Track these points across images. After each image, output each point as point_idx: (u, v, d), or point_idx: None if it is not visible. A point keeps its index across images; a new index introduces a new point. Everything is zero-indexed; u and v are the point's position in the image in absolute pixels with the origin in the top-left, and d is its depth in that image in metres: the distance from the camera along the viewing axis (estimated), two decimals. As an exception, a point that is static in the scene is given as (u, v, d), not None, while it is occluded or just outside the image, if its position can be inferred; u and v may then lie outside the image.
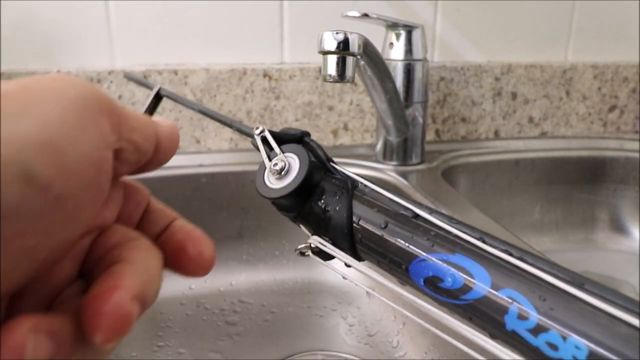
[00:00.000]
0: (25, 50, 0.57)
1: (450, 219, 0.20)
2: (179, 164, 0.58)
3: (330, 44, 0.41)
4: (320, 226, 0.23)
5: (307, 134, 0.26)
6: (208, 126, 0.61)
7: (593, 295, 0.15)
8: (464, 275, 0.18)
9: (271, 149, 0.25)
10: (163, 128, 0.19)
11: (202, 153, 0.61)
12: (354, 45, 0.41)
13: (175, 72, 0.59)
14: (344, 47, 0.41)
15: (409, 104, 0.56)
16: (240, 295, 0.53)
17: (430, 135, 0.68)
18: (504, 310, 0.16)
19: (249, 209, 0.57)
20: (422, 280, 0.19)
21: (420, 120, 0.57)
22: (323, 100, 0.63)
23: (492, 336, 0.17)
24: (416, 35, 0.54)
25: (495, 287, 0.17)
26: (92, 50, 0.58)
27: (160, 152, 0.19)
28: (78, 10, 0.57)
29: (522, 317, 0.16)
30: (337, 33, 0.41)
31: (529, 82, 0.69)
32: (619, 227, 0.67)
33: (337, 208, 0.23)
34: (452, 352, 0.41)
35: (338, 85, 0.63)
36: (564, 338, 0.15)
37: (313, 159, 0.24)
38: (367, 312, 0.51)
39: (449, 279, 0.18)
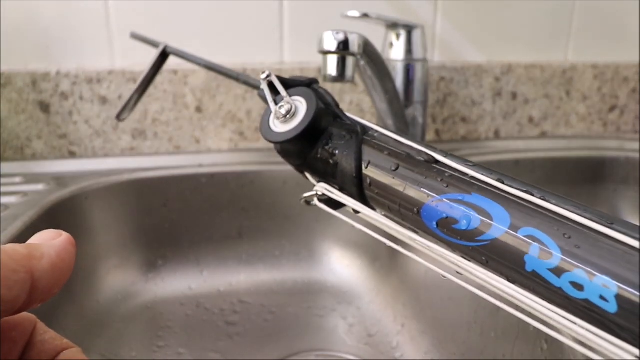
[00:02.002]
0: (25, 50, 0.57)
1: (466, 162, 0.19)
2: (179, 164, 0.58)
3: (330, 44, 0.41)
4: (328, 172, 0.22)
5: (316, 81, 0.25)
6: (208, 126, 0.61)
7: (623, 233, 0.14)
8: (481, 216, 0.17)
9: (277, 94, 0.23)
10: (44, 261, 0.16)
11: (202, 153, 0.61)
12: (354, 45, 0.41)
13: (175, 72, 0.59)
14: (344, 47, 0.41)
15: (409, 104, 0.56)
16: (240, 296, 0.53)
17: (430, 135, 0.68)
18: (523, 250, 0.15)
19: (249, 209, 0.57)
20: (434, 223, 0.18)
21: (420, 120, 0.57)
22: (323, 100, 0.63)
23: (511, 280, 0.16)
24: (416, 35, 0.54)
25: (514, 226, 0.16)
26: (92, 50, 0.58)
27: (38, 292, 0.15)
28: (78, 10, 0.57)
29: (544, 256, 0.15)
30: (337, 33, 0.41)
31: (529, 82, 0.69)
32: (619, 227, 0.67)
33: (346, 152, 0.22)
34: (453, 352, 0.41)
35: (338, 85, 0.62)
36: (591, 277, 0.14)
37: (321, 104, 0.23)
38: (367, 313, 0.51)
39: (464, 220, 0.17)
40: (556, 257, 0.15)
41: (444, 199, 0.18)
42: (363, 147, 0.22)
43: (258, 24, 0.61)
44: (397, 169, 0.20)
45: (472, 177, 0.18)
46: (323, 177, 0.23)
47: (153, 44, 0.33)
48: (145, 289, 0.53)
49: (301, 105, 0.22)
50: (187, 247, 0.56)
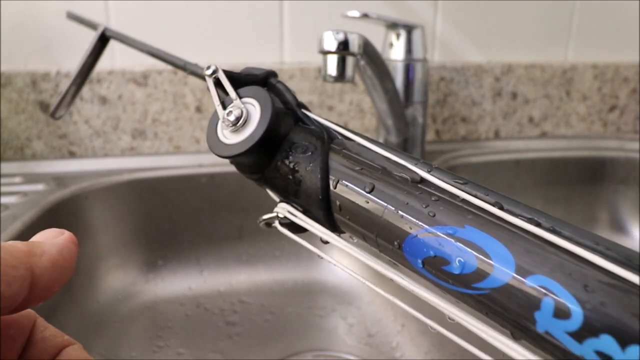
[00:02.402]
0: (25, 50, 0.57)
1: (455, 179, 0.16)
2: (179, 164, 0.58)
3: (330, 44, 0.41)
4: (289, 191, 0.19)
5: (273, 74, 0.20)
6: (208, 126, 0.61)
7: None
8: (478, 255, 0.13)
9: (227, 93, 0.20)
10: (45, 258, 0.15)
11: (202, 153, 0.61)
12: (354, 45, 0.41)
13: (175, 72, 0.59)
14: (344, 47, 0.41)
15: (409, 104, 0.56)
16: (240, 296, 0.53)
17: (430, 135, 0.68)
18: (533, 304, 0.12)
19: (248, 209, 0.57)
20: (419, 261, 0.15)
21: (420, 120, 0.57)
22: (323, 100, 0.63)
23: (516, 337, 0.13)
24: (416, 35, 0.54)
25: (520, 272, 0.12)
26: (92, 50, 0.58)
27: (39, 289, 0.15)
28: (78, 10, 0.57)
29: (560, 314, 0.12)
30: (337, 33, 0.41)
31: (529, 82, 0.69)
32: (619, 227, 0.67)
33: (309, 167, 0.18)
34: (453, 352, 0.40)
35: (338, 85, 0.62)
36: (623, 346, 0.10)
37: (279, 104, 0.19)
38: (367, 313, 0.51)
39: (457, 261, 0.14)
40: (576, 317, 0.11)
41: (431, 232, 0.14)
42: (330, 159, 0.18)
43: (258, 24, 0.61)
44: (372, 189, 0.16)
45: (465, 202, 0.15)
46: (284, 194, 0.19)
47: (90, 25, 0.28)
48: (145, 289, 0.53)
49: (254, 110, 0.19)
50: (187, 247, 0.56)
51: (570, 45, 0.71)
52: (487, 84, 0.68)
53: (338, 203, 0.17)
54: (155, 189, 0.55)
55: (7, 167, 0.57)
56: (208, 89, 0.20)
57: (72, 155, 0.59)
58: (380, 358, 0.45)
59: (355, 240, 0.18)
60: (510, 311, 0.13)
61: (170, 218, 0.55)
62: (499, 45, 0.68)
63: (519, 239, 0.13)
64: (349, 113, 0.64)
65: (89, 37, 0.61)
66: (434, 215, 0.15)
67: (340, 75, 0.42)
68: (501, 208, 0.14)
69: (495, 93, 0.68)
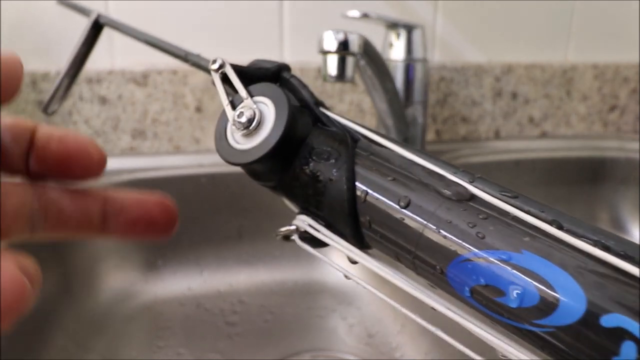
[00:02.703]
0: (25, 50, 0.57)
1: (502, 191, 0.14)
2: (179, 164, 0.58)
3: (331, 44, 0.41)
4: (310, 201, 0.16)
5: (286, 67, 0.18)
6: (208, 126, 0.61)
7: None
8: (540, 287, 0.11)
9: (235, 91, 0.18)
10: None
11: (202, 153, 0.61)
12: (354, 45, 0.41)
13: (175, 72, 0.59)
14: (344, 47, 0.41)
15: (409, 104, 0.56)
16: (240, 296, 0.53)
17: (430, 135, 0.68)
18: (611, 348, 0.10)
19: (248, 210, 0.57)
20: (467, 289, 0.13)
21: (420, 120, 0.57)
22: (323, 100, 0.63)
23: None
24: (416, 35, 0.54)
25: (593, 308, 0.10)
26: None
27: None
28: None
29: None
30: (337, 33, 0.41)
31: (529, 82, 0.69)
32: (619, 227, 0.67)
33: (333, 176, 0.16)
34: (453, 352, 0.40)
35: (338, 85, 0.62)
36: None
37: (295, 102, 0.17)
38: (367, 313, 0.51)
39: (515, 293, 0.12)
40: None
41: (482, 257, 0.12)
42: (357, 166, 0.16)
43: (258, 23, 0.61)
44: (408, 204, 0.14)
45: (517, 220, 0.13)
46: (304, 206, 0.17)
47: (82, 11, 0.27)
48: (145, 289, 0.53)
49: (268, 110, 0.16)
50: (187, 247, 0.56)
51: (571, 45, 0.71)
52: (487, 84, 0.68)
53: (368, 218, 0.15)
54: (155, 189, 0.54)
55: (7, 167, 0.57)
56: (213, 84, 0.18)
57: (72, 155, 0.59)
58: (380, 358, 0.45)
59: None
60: (581, 354, 0.11)
61: (170, 218, 0.55)
62: (499, 45, 0.68)
63: (587, 267, 0.11)
64: (349, 113, 0.64)
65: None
66: (483, 237, 0.12)
67: (340, 75, 0.42)
68: (560, 228, 0.12)
69: (496, 93, 0.68)
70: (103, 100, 0.58)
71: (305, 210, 0.17)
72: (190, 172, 0.56)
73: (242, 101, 0.17)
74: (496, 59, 0.68)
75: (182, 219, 0.58)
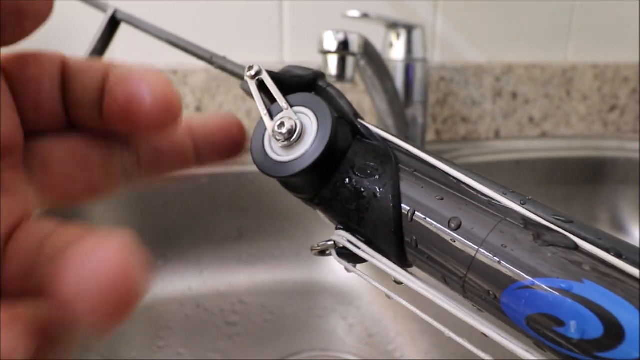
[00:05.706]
0: (25, 50, 0.57)
1: (556, 214, 0.13)
2: (178, 164, 0.58)
3: (331, 44, 0.41)
4: (351, 217, 0.16)
5: (322, 75, 0.18)
6: (208, 126, 0.61)
7: None
8: (604, 319, 0.11)
9: (273, 99, 0.17)
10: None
11: (202, 153, 0.61)
12: (354, 45, 0.41)
13: (175, 72, 0.59)
14: (344, 47, 0.41)
15: (409, 104, 0.56)
16: (240, 296, 0.53)
17: (430, 135, 0.68)
18: None
19: (248, 209, 0.57)
20: (523, 318, 0.12)
21: (420, 120, 0.57)
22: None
23: None
24: (416, 35, 0.54)
25: None
26: (91, 50, 0.58)
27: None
28: (78, 9, 0.57)
29: None
30: (337, 33, 0.41)
31: (529, 82, 0.69)
32: (619, 227, 0.67)
33: (378, 193, 0.15)
34: (453, 352, 0.41)
35: (338, 85, 0.62)
36: None
37: (334, 114, 0.16)
38: (367, 313, 0.51)
39: (574, 324, 0.11)
40: None
41: (539, 286, 0.12)
42: (402, 182, 0.15)
43: (258, 23, 0.61)
44: (459, 226, 0.13)
45: (577, 248, 0.12)
46: (343, 222, 0.16)
47: (99, 7, 0.26)
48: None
49: (309, 121, 0.16)
50: (187, 247, 0.56)
51: (570, 45, 0.71)
52: (487, 84, 0.68)
53: (414, 238, 0.14)
54: (155, 189, 0.55)
55: (7, 167, 0.57)
56: (245, 91, 0.17)
57: (72, 155, 0.59)
58: (380, 358, 0.45)
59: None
60: None
61: (170, 218, 0.55)
62: (499, 45, 0.68)
63: None
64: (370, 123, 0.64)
65: (88, 37, 0.61)
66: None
67: (340, 75, 0.42)
68: (620, 256, 0.11)
69: (496, 93, 0.68)
70: (103, 100, 0.58)
71: (344, 226, 0.16)
72: (190, 172, 0.56)
73: (280, 111, 0.16)
74: (496, 59, 0.68)
75: (182, 219, 0.58)
